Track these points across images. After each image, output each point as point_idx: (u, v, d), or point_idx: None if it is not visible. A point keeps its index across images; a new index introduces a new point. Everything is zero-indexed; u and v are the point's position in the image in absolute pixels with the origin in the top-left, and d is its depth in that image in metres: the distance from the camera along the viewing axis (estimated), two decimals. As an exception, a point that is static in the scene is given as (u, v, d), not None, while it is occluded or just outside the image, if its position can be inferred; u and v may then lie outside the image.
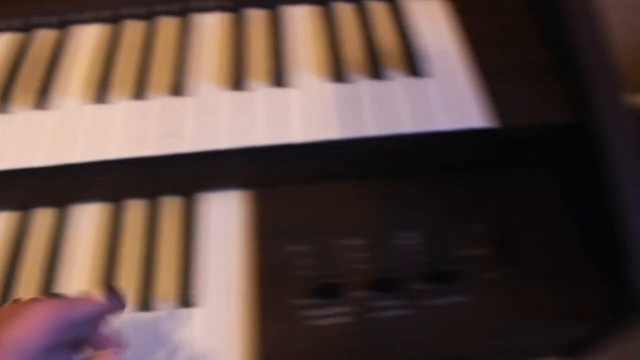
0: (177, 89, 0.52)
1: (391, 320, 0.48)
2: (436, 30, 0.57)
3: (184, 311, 0.48)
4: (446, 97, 0.51)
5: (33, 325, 0.33)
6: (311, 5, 0.61)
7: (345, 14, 0.60)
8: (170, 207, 0.54)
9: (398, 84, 0.52)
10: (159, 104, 0.51)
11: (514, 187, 0.54)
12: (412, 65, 0.53)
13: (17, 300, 0.36)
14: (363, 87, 0.52)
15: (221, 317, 0.48)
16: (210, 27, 0.59)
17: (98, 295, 0.40)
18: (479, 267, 0.50)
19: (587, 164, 0.49)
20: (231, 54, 0.55)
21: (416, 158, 0.53)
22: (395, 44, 0.56)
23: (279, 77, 0.53)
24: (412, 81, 0.52)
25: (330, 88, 0.52)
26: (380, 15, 0.59)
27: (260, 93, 0.52)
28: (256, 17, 0.60)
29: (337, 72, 0.53)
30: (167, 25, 0.59)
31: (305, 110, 0.51)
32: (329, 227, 0.52)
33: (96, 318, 0.39)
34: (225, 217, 0.53)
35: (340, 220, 0.52)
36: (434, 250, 0.51)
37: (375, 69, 0.53)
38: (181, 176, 0.53)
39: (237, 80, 0.53)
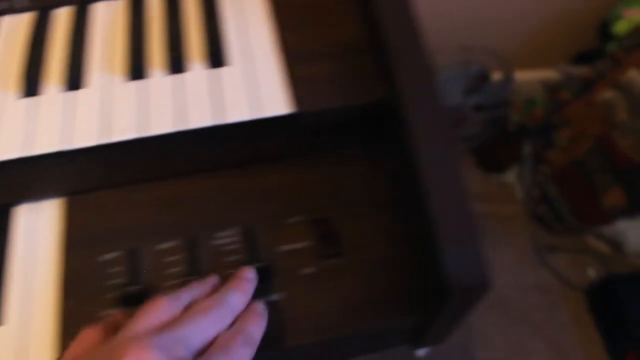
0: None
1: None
2: (247, 16, 0.54)
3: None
4: (247, 85, 0.48)
5: None
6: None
7: (154, 7, 0.57)
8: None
9: (197, 76, 0.49)
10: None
11: (332, 175, 0.52)
12: (215, 55, 0.50)
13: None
14: (160, 82, 0.49)
15: (24, 334, 0.45)
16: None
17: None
18: (299, 262, 0.48)
19: (399, 147, 0.47)
20: (27, 56, 0.52)
21: (224, 152, 0.51)
22: (201, 35, 0.53)
23: (73, 79, 0.50)
24: (212, 72, 0.50)
25: (128, 86, 0.49)
26: (190, 5, 0.56)
27: (53, 97, 0.49)
28: (62, 16, 0.57)
29: (136, 69, 0.50)
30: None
31: (100, 111, 0.48)
32: (142, 230, 0.50)
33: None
34: (35, 228, 0.50)
35: (153, 223, 0.50)
36: (251, 248, 0.49)
37: (175, 63, 0.50)
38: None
39: (30, 84, 0.50)
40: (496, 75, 1.44)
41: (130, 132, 0.46)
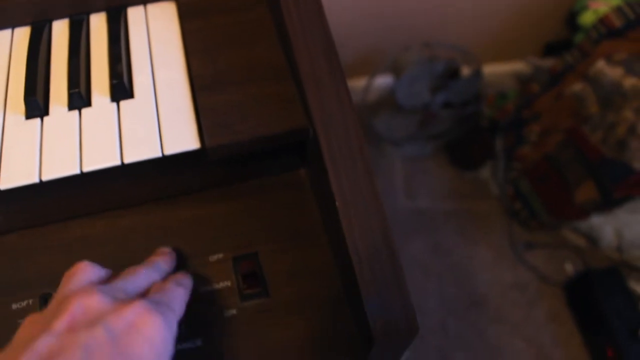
0: None
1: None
2: (158, 40, 0.50)
3: None
4: (152, 120, 0.45)
5: (154, 334, 0.34)
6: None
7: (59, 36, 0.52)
8: None
9: (98, 112, 0.46)
10: None
11: (255, 206, 0.48)
12: (119, 87, 0.47)
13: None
14: (62, 118, 0.45)
15: None
16: None
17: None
18: (219, 304, 0.45)
19: (319, 178, 0.44)
20: None
21: (135, 187, 0.47)
22: (105, 67, 0.49)
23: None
24: (117, 105, 0.46)
25: (28, 124, 0.46)
26: (95, 34, 0.52)
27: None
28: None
29: (32, 106, 0.46)
30: None
31: (1, 152, 0.44)
32: (54, 274, 0.45)
33: None
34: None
35: (65, 266, 0.46)
36: (169, 290, 0.45)
37: (75, 98, 0.46)
38: None
39: None
40: (465, 71, 1.41)
41: (25, 178, 0.42)
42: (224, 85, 0.46)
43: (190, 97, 0.46)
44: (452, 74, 1.37)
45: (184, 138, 0.43)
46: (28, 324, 0.36)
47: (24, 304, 0.45)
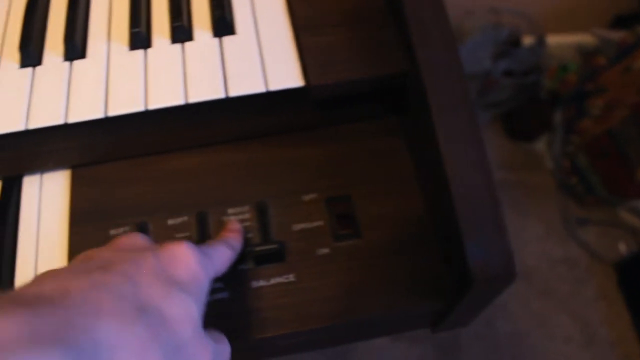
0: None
1: (209, 305, 0.44)
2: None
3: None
4: (254, 57, 0.45)
5: (191, 263, 0.36)
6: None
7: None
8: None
9: (201, 46, 0.46)
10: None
11: (350, 151, 0.48)
12: (221, 23, 0.47)
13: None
14: (164, 52, 0.46)
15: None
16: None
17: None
18: (313, 242, 0.46)
19: (420, 124, 0.44)
20: (27, 24, 0.49)
21: (234, 124, 0.47)
22: (206, 2, 0.49)
23: (75, 48, 0.47)
24: (217, 42, 0.46)
25: (131, 55, 0.46)
26: None
27: (55, 67, 0.46)
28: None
29: (137, 38, 0.47)
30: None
31: (108, 81, 0.45)
32: (152, 205, 0.47)
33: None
34: (44, 200, 0.48)
35: (163, 198, 0.47)
36: (263, 225, 0.46)
37: (180, 31, 0.47)
38: None
39: (30, 54, 0.47)
40: (527, 40, 1.37)
41: (133, 105, 0.43)
42: (325, 27, 0.45)
43: (292, 36, 0.46)
44: (515, 41, 1.34)
45: (288, 75, 0.43)
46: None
47: (120, 230, 0.47)
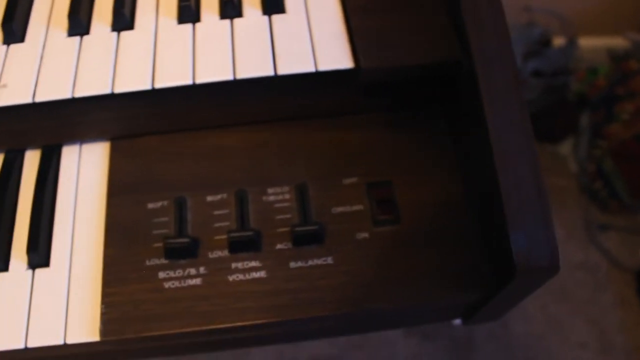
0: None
1: (247, 283, 0.44)
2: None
3: (30, 272, 0.44)
4: (304, 36, 0.45)
5: None
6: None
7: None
8: (32, 159, 0.49)
9: (251, 23, 0.46)
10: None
11: (392, 137, 0.48)
12: (272, 0, 0.46)
13: None
14: (213, 27, 0.46)
15: (63, 279, 0.44)
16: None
17: None
18: (352, 226, 0.45)
19: (469, 113, 0.43)
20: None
21: (278, 104, 0.47)
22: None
23: (124, 20, 0.47)
24: (267, 19, 0.46)
25: (180, 29, 0.46)
26: None
27: (103, 37, 0.46)
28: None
29: (186, 12, 0.47)
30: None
31: (155, 54, 0.45)
32: (191, 181, 0.47)
33: None
34: (82, 170, 0.48)
35: (202, 174, 0.47)
36: (302, 207, 0.46)
37: (229, 7, 0.47)
38: (34, 128, 0.48)
39: (78, 23, 0.47)
40: (558, 41, 1.35)
41: (180, 79, 0.43)
42: (377, 11, 0.45)
43: (343, 18, 0.46)
44: (546, 42, 1.32)
45: (338, 56, 0.43)
46: None
47: (158, 204, 0.47)
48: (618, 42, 1.42)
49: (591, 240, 1.32)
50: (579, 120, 1.36)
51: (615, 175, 1.28)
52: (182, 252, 0.44)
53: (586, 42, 1.42)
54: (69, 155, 0.49)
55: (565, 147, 1.41)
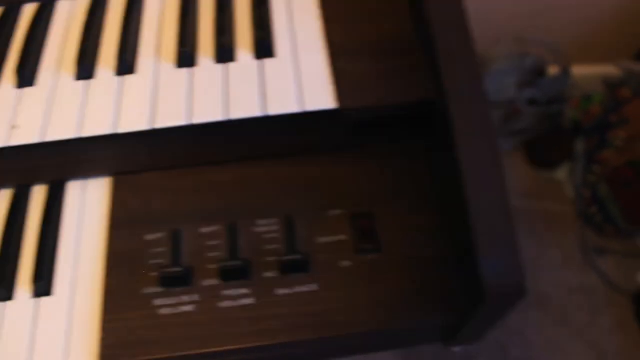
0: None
1: (237, 309, 0.47)
2: (294, 7, 0.54)
3: (35, 301, 0.48)
4: (292, 78, 0.49)
5: None
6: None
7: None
8: (38, 194, 0.53)
9: (243, 66, 0.50)
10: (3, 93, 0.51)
11: (374, 170, 0.52)
12: (262, 46, 0.50)
13: None
14: (208, 71, 0.50)
15: (65, 307, 0.47)
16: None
17: None
18: (335, 255, 0.49)
19: (444, 147, 0.47)
20: (82, 40, 0.54)
21: (268, 141, 0.51)
22: (249, 25, 0.53)
23: (126, 64, 0.51)
24: (258, 63, 0.50)
25: (178, 72, 0.50)
26: None
27: (106, 80, 0.51)
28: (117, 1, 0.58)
29: (184, 57, 0.51)
30: None
31: (149, 97, 0.49)
32: (187, 214, 0.51)
33: None
34: (85, 205, 0.52)
35: (197, 207, 0.51)
36: (290, 237, 0.49)
37: (223, 52, 0.51)
38: (42, 165, 0.52)
39: (84, 68, 0.51)
40: (552, 69, 1.39)
41: (178, 119, 0.47)
42: (359, 54, 0.49)
43: (328, 61, 0.50)
44: (540, 71, 1.36)
45: (323, 97, 0.47)
46: None
47: (156, 236, 0.50)
48: (612, 70, 1.45)
49: (588, 264, 1.34)
50: (574, 147, 1.39)
51: (610, 201, 1.30)
52: (177, 280, 0.48)
53: (580, 70, 1.45)
54: (74, 190, 0.53)
55: (562, 173, 1.43)
